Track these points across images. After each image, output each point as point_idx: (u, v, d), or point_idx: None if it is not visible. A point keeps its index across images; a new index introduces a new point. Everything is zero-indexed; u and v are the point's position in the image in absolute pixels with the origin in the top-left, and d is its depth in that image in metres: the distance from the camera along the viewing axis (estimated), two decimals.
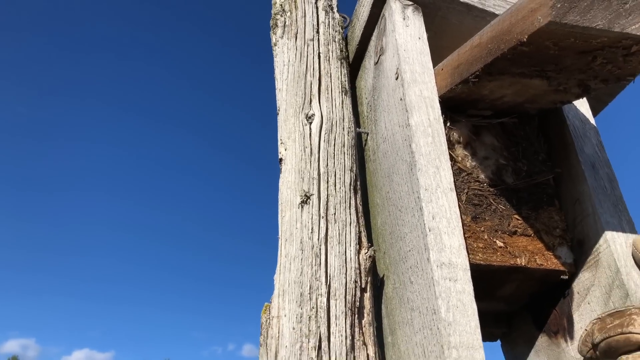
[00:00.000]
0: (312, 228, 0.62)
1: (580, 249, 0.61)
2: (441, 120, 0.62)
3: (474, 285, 0.54)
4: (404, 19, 0.68)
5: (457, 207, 0.56)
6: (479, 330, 0.49)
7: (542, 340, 0.66)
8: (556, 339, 0.63)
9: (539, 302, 0.67)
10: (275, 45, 0.82)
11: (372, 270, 0.63)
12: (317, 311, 0.57)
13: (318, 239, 0.61)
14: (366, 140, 0.76)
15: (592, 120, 0.66)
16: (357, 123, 0.80)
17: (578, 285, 0.61)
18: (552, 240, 0.62)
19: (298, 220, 0.63)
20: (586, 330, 0.53)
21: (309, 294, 0.58)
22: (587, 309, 0.59)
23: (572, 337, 0.61)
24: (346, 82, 0.76)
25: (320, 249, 0.60)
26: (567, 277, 0.61)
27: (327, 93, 0.72)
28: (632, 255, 0.56)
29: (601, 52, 0.48)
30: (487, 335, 0.77)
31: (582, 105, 0.68)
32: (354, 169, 0.68)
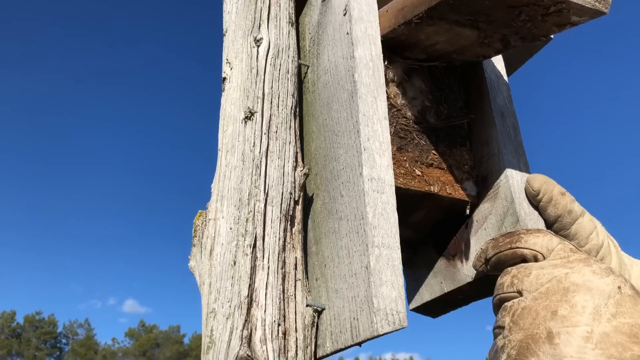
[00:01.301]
0: (254, 142, 0.66)
1: (483, 184, 0.71)
2: (381, 57, 0.68)
3: None
4: None
5: (389, 133, 0.63)
6: (397, 235, 0.57)
7: (440, 263, 0.76)
8: (453, 260, 0.74)
9: (442, 230, 0.77)
10: None
11: (304, 187, 0.69)
12: (254, 214, 0.62)
13: (259, 152, 0.66)
14: (306, 73, 0.81)
15: (505, 77, 0.76)
16: (299, 56, 0.85)
17: (478, 214, 0.71)
18: (462, 175, 0.71)
19: (241, 134, 0.67)
20: (481, 248, 0.63)
21: (248, 199, 0.63)
22: (483, 234, 0.69)
23: (467, 259, 0.71)
24: (292, 15, 0.80)
25: (261, 161, 0.65)
26: (468, 211, 0.71)
27: (276, 21, 0.76)
28: (525, 190, 0.67)
29: (526, 8, 0.56)
30: None
31: (499, 63, 0.77)
32: (295, 95, 0.73)
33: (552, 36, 0.65)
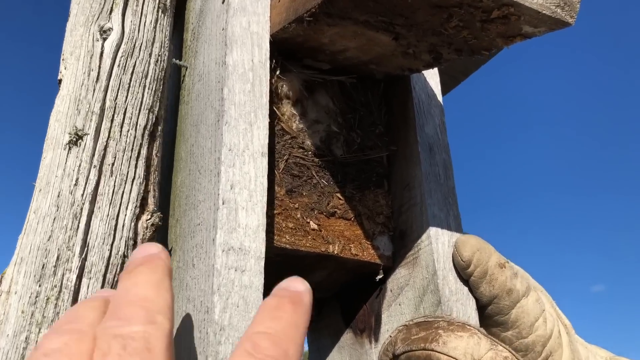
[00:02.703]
0: (76, 179, 0.46)
1: (401, 241, 0.54)
2: (268, 64, 0.49)
3: (277, 269, 0.43)
4: None
5: (266, 177, 0.45)
6: None
7: (347, 337, 0.58)
8: (361, 337, 0.56)
9: (351, 292, 0.60)
10: None
11: (157, 241, 0.50)
12: (60, 291, 0.42)
13: (83, 194, 0.46)
14: (184, 76, 0.61)
15: (440, 97, 0.58)
16: (180, 53, 0.65)
17: (393, 282, 0.53)
18: (373, 228, 0.53)
19: (61, 165, 0.47)
20: (390, 337, 0.46)
21: (54, 267, 0.43)
22: (397, 310, 0.52)
23: (377, 339, 0.53)
24: None
25: (82, 209, 0.45)
26: (381, 275, 0.53)
27: (136, 5, 0.56)
28: (452, 256, 0.49)
29: (458, 10, 0.38)
30: None
31: (433, 77, 0.59)
32: (157, 109, 0.53)
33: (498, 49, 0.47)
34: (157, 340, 0.27)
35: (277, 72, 0.52)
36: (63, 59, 0.53)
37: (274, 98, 0.52)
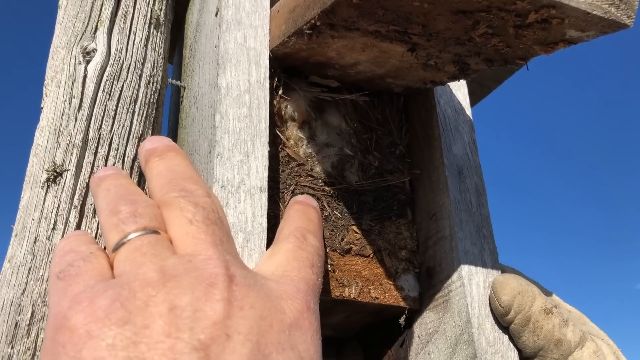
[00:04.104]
0: (54, 222, 0.41)
1: (429, 280, 0.47)
2: (267, 84, 0.43)
3: None
4: None
5: (266, 216, 0.38)
6: None
7: None
8: None
9: (373, 333, 0.53)
10: None
11: None
12: (34, 355, 0.37)
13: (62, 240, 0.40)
14: (183, 97, 0.55)
15: (469, 111, 0.51)
16: (180, 73, 0.59)
17: (420, 327, 0.46)
18: (396, 265, 0.47)
19: (38, 207, 0.42)
20: None
21: (28, 325, 0.38)
22: None
23: None
24: (162, 11, 0.54)
25: None
26: (403, 321, 0.46)
27: (124, 22, 0.50)
28: (489, 300, 0.42)
29: (486, 15, 0.31)
30: None
31: (460, 89, 0.52)
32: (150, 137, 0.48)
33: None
34: (223, 213, 0.31)
35: (280, 92, 0.46)
36: (45, 86, 0.48)
37: (277, 121, 0.46)
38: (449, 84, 0.51)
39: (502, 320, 0.41)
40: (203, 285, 0.25)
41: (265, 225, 0.38)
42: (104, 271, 0.27)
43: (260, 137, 0.41)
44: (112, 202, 0.31)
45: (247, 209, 0.38)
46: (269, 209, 0.42)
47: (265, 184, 0.39)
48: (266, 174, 0.40)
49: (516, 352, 0.42)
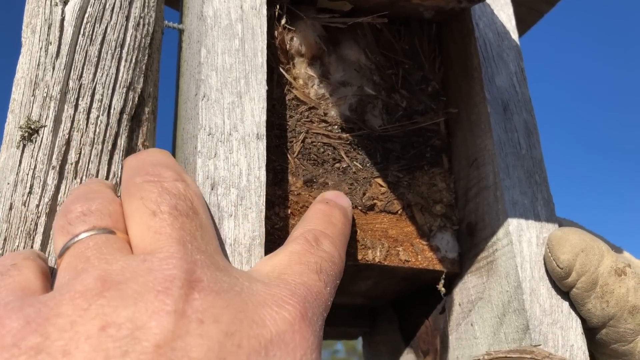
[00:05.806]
0: (31, 185, 0.36)
1: (470, 238, 0.39)
2: (264, 10, 0.36)
3: None
4: None
5: (264, 168, 0.32)
6: None
7: (408, 357, 0.45)
8: None
9: (410, 301, 0.46)
10: None
11: None
12: None
13: (38, 205, 0.35)
14: (182, 42, 0.49)
15: (515, 35, 0.42)
16: (182, 15, 0.53)
17: (461, 293, 0.39)
18: (430, 222, 0.39)
19: (14, 169, 0.37)
20: None
21: None
22: (468, 332, 0.38)
23: None
24: None
25: (37, 224, 0.35)
26: (441, 287, 0.39)
27: None
28: (544, 260, 0.35)
29: None
30: (344, 334, 0.56)
31: (503, 9, 0.43)
32: (139, 86, 0.41)
33: None
34: (201, 201, 0.26)
35: (283, 22, 0.39)
36: (22, 34, 0.43)
37: (282, 58, 0.39)
38: (489, 2, 0.42)
39: (561, 284, 0.34)
40: (152, 293, 0.19)
41: (263, 179, 0.31)
42: (29, 284, 0.21)
43: (256, 74, 0.34)
44: (66, 204, 0.26)
45: (240, 160, 0.31)
46: (274, 161, 0.36)
47: (263, 130, 0.33)
48: (264, 117, 0.33)
49: (579, 321, 0.34)
